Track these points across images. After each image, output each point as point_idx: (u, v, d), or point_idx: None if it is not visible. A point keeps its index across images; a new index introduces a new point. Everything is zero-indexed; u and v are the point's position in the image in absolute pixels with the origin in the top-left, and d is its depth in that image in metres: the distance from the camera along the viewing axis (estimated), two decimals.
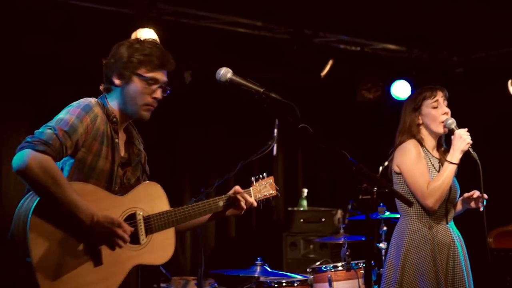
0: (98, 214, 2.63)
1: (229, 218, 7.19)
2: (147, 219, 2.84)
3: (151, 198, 2.89)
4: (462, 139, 3.81)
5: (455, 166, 3.83)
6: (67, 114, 2.72)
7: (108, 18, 5.86)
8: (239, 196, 3.11)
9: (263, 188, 3.26)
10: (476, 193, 3.92)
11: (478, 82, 7.55)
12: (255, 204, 3.18)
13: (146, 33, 5.89)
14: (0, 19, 5.58)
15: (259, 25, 6.65)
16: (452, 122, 3.88)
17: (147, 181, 2.96)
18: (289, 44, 6.78)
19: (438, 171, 3.91)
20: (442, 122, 3.92)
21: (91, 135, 2.76)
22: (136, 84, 2.86)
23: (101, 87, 2.94)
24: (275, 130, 4.42)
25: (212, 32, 6.48)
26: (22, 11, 5.59)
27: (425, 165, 3.88)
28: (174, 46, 6.08)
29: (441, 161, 3.95)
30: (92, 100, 2.84)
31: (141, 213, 2.82)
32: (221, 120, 7.30)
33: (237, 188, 3.13)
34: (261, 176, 3.26)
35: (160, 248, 2.88)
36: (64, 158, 2.73)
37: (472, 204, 3.96)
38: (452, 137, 3.86)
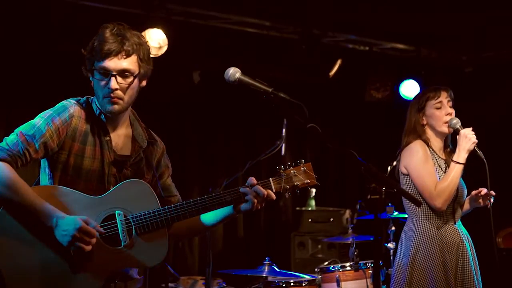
0: (60, 217, 2.56)
1: (237, 217, 7.27)
2: (129, 220, 2.68)
3: (136, 198, 2.70)
4: (468, 139, 3.79)
5: (461, 166, 3.81)
6: (37, 118, 2.72)
7: (117, 18, 5.82)
8: (252, 193, 2.72)
9: (294, 176, 2.78)
10: (483, 191, 3.91)
11: (488, 81, 7.52)
12: (273, 196, 2.74)
13: (155, 33, 5.90)
14: (10, 19, 5.60)
15: (268, 25, 6.65)
16: (456, 122, 3.86)
17: (131, 180, 2.75)
18: (298, 44, 6.78)
19: (445, 172, 3.90)
20: (446, 123, 3.91)
21: (68, 136, 2.71)
22: (95, 78, 2.75)
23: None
24: (284, 130, 4.42)
25: (220, 32, 6.49)
26: (28, 11, 5.62)
27: (433, 166, 3.87)
28: (183, 46, 6.18)
29: (447, 161, 3.94)
30: (72, 100, 2.80)
31: (122, 212, 2.68)
32: (229, 120, 7.31)
33: (251, 180, 2.75)
34: (293, 163, 2.81)
35: (148, 250, 2.68)
36: (46, 163, 2.72)
37: (480, 202, 3.95)
38: (458, 137, 3.84)
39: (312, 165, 2.82)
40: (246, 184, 2.76)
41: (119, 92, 2.72)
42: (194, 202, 2.73)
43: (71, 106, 2.75)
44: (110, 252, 2.64)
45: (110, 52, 2.70)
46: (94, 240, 2.58)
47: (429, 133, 3.97)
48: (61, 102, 2.79)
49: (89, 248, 2.57)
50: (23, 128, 2.69)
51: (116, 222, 2.68)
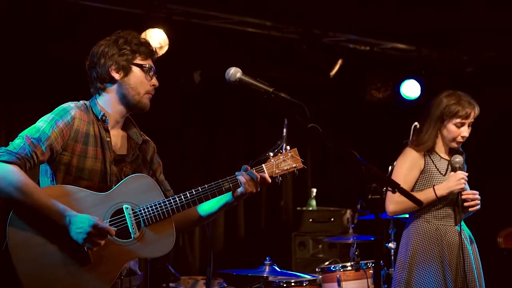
0: (72, 215, 2.63)
1: (237, 216, 7.26)
2: (136, 212, 2.78)
3: (141, 191, 2.81)
4: (458, 182, 3.82)
5: (435, 198, 3.85)
6: (40, 122, 2.77)
7: (118, 18, 5.88)
8: (243, 174, 2.86)
9: (282, 162, 2.93)
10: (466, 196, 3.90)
11: (488, 81, 7.51)
12: (268, 179, 2.87)
13: (156, 33, 5.90)
14: (10, 19, 5.60)
15: (269, 24, 6.65)
16: (458, 161, 3.87)
17: (135, 174, 2.86)
18: (299, 43, 6.77)
19: (444, 175, 3.92)
20: (454, 140, 3.93)
21: (71, 138, 2.77)
22: (136, 74, 2.88)
23: (92, 89, 2.94)
24: (284, 130, 4.43)
25: (221, 32, 6.49)
26: (28, 11, 5.61)
27: (414, 175, 3.93)
28: (183, 46, 6.18)
29: (450, 162, 3.95)
30: (72, 103, 2.86)
31: (129, 206, 2.77)
32: (230, 119, 7.31)
33: (245, 166, 2.90)
34: (280, 150, 2.96)
35: (157, 240, 2.79)
36: (47, 166, 2.78)
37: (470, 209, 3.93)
38: (451, 173, 3.87)
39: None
40: (241, 170, 2.89)
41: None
42: (196, 191, 2.85)
43: (72, 109, 2.82)
44: (121, 245, 2.74)
45: (152, 53, 2.93)
46: (107, 235, 2.67)
47: (439, 137, 3.99)
48: (61, 105, 2.85)
49: (103, 243, 2.66)
50: (28, 132, 2.74)
51: (124, 216, 2.77)
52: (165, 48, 5.93)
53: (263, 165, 2.91)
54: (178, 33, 5.99)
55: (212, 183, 2.88)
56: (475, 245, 3.97)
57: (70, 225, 2.63)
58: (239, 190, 2.88)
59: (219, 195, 2.90)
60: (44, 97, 6.00)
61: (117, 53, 2.86)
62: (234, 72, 2.75)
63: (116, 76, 2.87)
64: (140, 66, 2.88)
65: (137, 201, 2.79)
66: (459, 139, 3.93)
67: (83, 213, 2.66)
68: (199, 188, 2.85)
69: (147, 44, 2.92)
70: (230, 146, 7.32)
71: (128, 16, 5.93)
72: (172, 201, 2.81)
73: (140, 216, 2.77)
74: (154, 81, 2.91)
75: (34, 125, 2.77)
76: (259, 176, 2.85)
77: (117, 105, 2.90)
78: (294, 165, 2.95)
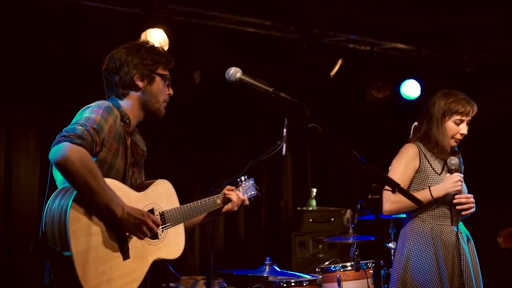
0: (127, 206, 2.74)
1: (237, 217, 7.27)
2: (162, 215, 2.95)
3: (165, 195, 3.02)
4: (454, 184, 3.82)
5: (431, 199, 3.85)
6: (92, 113, 2.78)
7: (118, 18, 5.88)
8: (232, 193, 3.32)
9: (248, 188, 3.47)
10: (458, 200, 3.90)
11: (489, 81, 7.51)
12: (246, 201, 3.41)
13: (156, 34, 5.90)
14: (10, 20, 5.61)
15: (269, 24, 6.65)
16: (454, 163, 3.88)
17: (161, 179, 3.04)
18: (299, 43, 6.78)
19: (439, 175, 3.93)
20: (453, 138, 3.94)
21: (112, 135, 2.84)
22: (158, 83, 3.01)
23: (110, 93, 2.99)
24: (284, 130, 4.43)
25: (221, 32, 6.49)
26: (28, 11, 5.62)
27: (409, 175, 3.93)
28: (183, 46, 6.18)
29: (446, 163, 3.95)
30: (108, 102, 2.92)
31: (158, 209, 2.94)
32: (230, 119, 7.31)
33: (229, 187, 3.36)
34: (243, 178, 3.49)
35: (173, 242, 2.99)
36: None
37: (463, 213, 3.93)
38: (448, 175, 3.88)
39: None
40: (225, 190, 3.35)
41: None
42: (208, 199, 3.23)
43: (114, 108, 2.89)
44: (150, 244, 2.89)
45: (171, 63, 3.09)
46: (158, 228, 2.84)
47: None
48: (101, 102, 2.88)
49: (152, 233, 2.83)
50: (86, 121, 2.74)
51: None
52: (165, 48, 5.92)
53: (240, 188, 3.43)
54: (178, 33, 5.99)
55: (209, 198, 3.25)
56: (472, 243, 3.97)
57: (127, 215, 2.72)
58: (227, 207, 3.32)
59: (214, 209, 3.28)
60: (44, 98, 6.02)
61: (141, 62, 2.97)
62: (234, 72, 2.76)
63: (140, 84, 2.97)
64: (161, 75, 3.02)
65: (162, 205, 2.98)
66: (458, 136, 3.94)
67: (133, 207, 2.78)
68: (202, 200, 3.20)
69: (167, 54, 3.07)
70: (230, 146, 7.32)
71: (128, 16, 5.93)
72: (188, 208, 3.10)
73: (165, 218, 2.96)
74: (171, 90, 3.08)
75: (87, 115, 2.77)
76: (243, 198, 3.39)
77: (137, 110, 3.00)
78: (253, 192, 3.51)
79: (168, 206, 3.00)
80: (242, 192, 3.41)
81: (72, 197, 2.62)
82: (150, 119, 3.07)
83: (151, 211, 2.91)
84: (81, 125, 2.70)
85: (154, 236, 2.88)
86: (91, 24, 5.77)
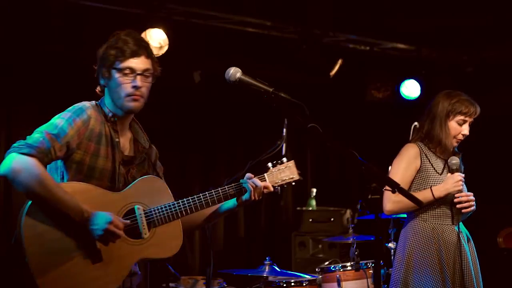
0: (88, 211, 2.68)
1: (237, 217, 7.26)
2: (148, 213, 2.85)
3: (152, 192, 2.89)
4: (456, 185, 3.84)
5: (432, 199, 3.85)
6: (57, 119, 2.79)
7: (118, 18, 5.88)
8: (249, 182, 2.98)
9: (281, 173, 3.10)
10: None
11: (489, 81, 7.51)
12: (271, 188, 3.03)
13: (155, 33, 5.90)
14: (10, 20, 5.60)
15: (269, 24, 6.65)
16: (455, 163, 3.89)
17: (147, 176, 2.95)
18: (298, 43, 6.77)
19: (440, 174, 3.93)
20: (455, 138, 3.95)
21: (86, 137, 2.81)
22: (115, 78, 2.86)
23: (98, 91, 2.98)
24: (284, 130, 4.42)
25: (221, 32, 6.49)
26: (27, 11, 5.61)
27: (410, 175, 3.94)
28: (183, 46, 6.17)
29: (447, 163, 3.95)
30: (87, 103, 2.89)
31: (141, 207, 2.83)
32: (230, 119, 7.31)
33: (249, 175, 3.02)
34: (279, 161, 3.11)
35: (165, 241, 2.87)
36: (60, 163, 2.80)
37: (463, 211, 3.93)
38: (449, 175, 3.89)
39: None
40: (245, 178, 3.00)
41: (142, 90, 2.88)
42: (204, 195, 2.94)
43: (88, 108, 2.86)
44: (132, 245, 2.80)
45: (136, 53, 2.86)
46: (122, 233, 2.73)
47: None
48: (77, 104, 2.88)
49: (118, 240, 2.72)
50: (46, 127, 2.76)
51: (135, 216, 2.83)
52: (165, 48, 5.93)
53: (265, 174, 3.04)
54: (178, 33, 5.99)
55: (219, 188, 2.97)
56: (472, 243, 3.98)
57: (87, 221, 2.67)
58: (244, 197, 2.99)
59: (225, 200, 2.99)
60: (45, 99, 6.01)
61: (101, 58, 2.89)
62: (234, 72, 2.76)
63: (103, 82, 2.92)
64: (119, 69, 2.85)
65: (148, 202, 2.86)
66: (460, 136, 3.95)
67: (98, 211, 2.70)
68: (207, 192, 2.94)
69: (132, 44, 2.87)
70: (230, 146, 7.32)
71: (128, 16, 5.92)
72: (181, 204, 2.89)
73: (151, 217, 2.84)
74: (136, 82, 2.85)
75: (51, 121, 2.79)
76: (262, 185, 2.99)
77: (114, 107, 2.92)
78: (292, 176, 3.10)
79: (157, 203, 2.87)
80: (269, 178, 3.04)
81: (29, 203, 2.65)
82: (128, 115, 2.96)
83: (131, 210, 2.82)
84: (39, 133, 2.72)
85: (137, 235, 2.80)
86: (91, 24, 5.77)
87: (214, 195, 2.94)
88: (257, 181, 2.98)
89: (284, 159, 3.11)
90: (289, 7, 6.38)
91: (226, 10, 6.36)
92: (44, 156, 2.68)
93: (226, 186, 2.97)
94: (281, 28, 6.74)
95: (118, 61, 2.85)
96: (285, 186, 3.10)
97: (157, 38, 5.89)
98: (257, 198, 2.98)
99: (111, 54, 2.86)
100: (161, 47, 5.92)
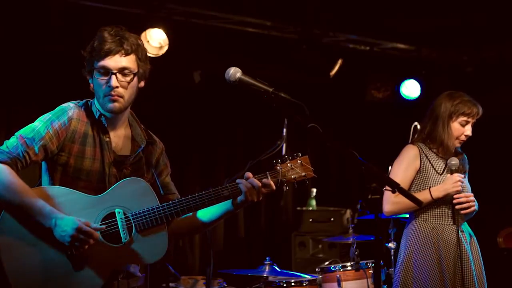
0: (58, 217, 2.61)
1: (237, 217, 7.26)
2: (128, 217, 2.73)
3: (134, 195, 2.75)
4: (454, 185, 3.85)
5: (430, 199, 3.87)
6: (36, 122, 2.78)
7: (118, 18, 5.86)
8: (244, 183, 2.77)
9: (290, 170, 2.79)
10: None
11: (489, 81, 7.51)
12: (273, 186, 2.76)
13: (155, 33, 5.90)
14: (10, 20, 5.60)
15: (268, 24, 6.65)
16: (454, 164, 3.90)
17: (130, 178, 2.80)
18: (298, 43, 6.77)
19: (440, 175, 3.92)
20: (457, 139, 3.96)
21: (68, 138, 2.76)
22: (95, 78, 2.79)
23: (91, 89, 2.92)
24: (284, 130, 4.43)
25: (221, 32, 6.49)
26: (27, 11, 5.61)
27: (410, 175, 3.95)
28: (183, 46, 6.17)
29: (447, 164, 3.95)
30: (71, 103, 2.85)
31: (121, 211, 2.72)
32: (230, 119, 7.31)
33: (247, 174, 2.79)
34: (289, 157, 2.81)
35: (149, 246, 2.73)
36: (47, 165, 2.78)
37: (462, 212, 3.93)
38: (448, 175, 3.90)
39: (310, 160, 2.82)
40: (244, 177, 2.80)
41: (119, 90, 2.77)
42: (192, 197, 2.76)
43: (70, 109, 2.80)
44: (111, 250, 2.69)
45: (110, 51, 2.76)
46: (92, 240, 2.63)
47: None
48: (60, 105, 2.84)
49: (87, 247, 2.62)
50: (23, 131, 2.75)
51: (116, 220, 2.72)
52: (165, 48, 5.93)
53: (267, 173, 2.79)
54: (178, 33, 5.99)
55: (211, 189, 2.78)
56: (475, 240, 3.98)
57: (55, 227, 2.61)
58: (239, 198, 2.80)
59: (217, 203, 2.81)
60: (45, 99, 6.01)
61: (86, 57, 2.82)
62: (234, 72, 2.74)
63: (90, 81, 2.85)
64: (96, 69, 2.78)
65: (129, 206, 2.73)
66: (462, 137, 3.96)
67: (71, 216, 2.63)
68: (196, 194, 2.76)
69: (110, 41, 2.77)
70: (230, 146, 7.32)
71: (128, 16, 5.92)
72: (166, 207, 2.74)
73: (132, 221, 2.72)
74: (112, 82, 2.74)
75: (30, 124, 2.78)
76: (260, 185, 2.75)
77: (100, 106, 2.85)
78: (303, 174, 2.79)
79: (140, 207, 2.73)
80: (274, 176, 2.77)
81: (3, 212, 2.64)
82: (112, 115, 2.86)
83: (112, 214, 2.71)
84: (14, 137, 2.73)
85: (117, 240, 2.69)
86: (91, 24, 5.76)
87: (205, 197, 2.76)
88: (254, 181, 2.75)
89: (299, 154, 2.82)
90: (289, 7, 6.38)
91: (226, 10, 6.35)
92: (16, 161, 2.67)
93: (219, 187, 2.78)
94: (281, 28, 6.73)
95: (96, 61, 2.78)
96: (296, 184, 2.81)
97: (157, 38, 5.89)
98: (255, 199, 2.77)
99: (90, 54, 2.80)
100: (161, 47, 5.92)
